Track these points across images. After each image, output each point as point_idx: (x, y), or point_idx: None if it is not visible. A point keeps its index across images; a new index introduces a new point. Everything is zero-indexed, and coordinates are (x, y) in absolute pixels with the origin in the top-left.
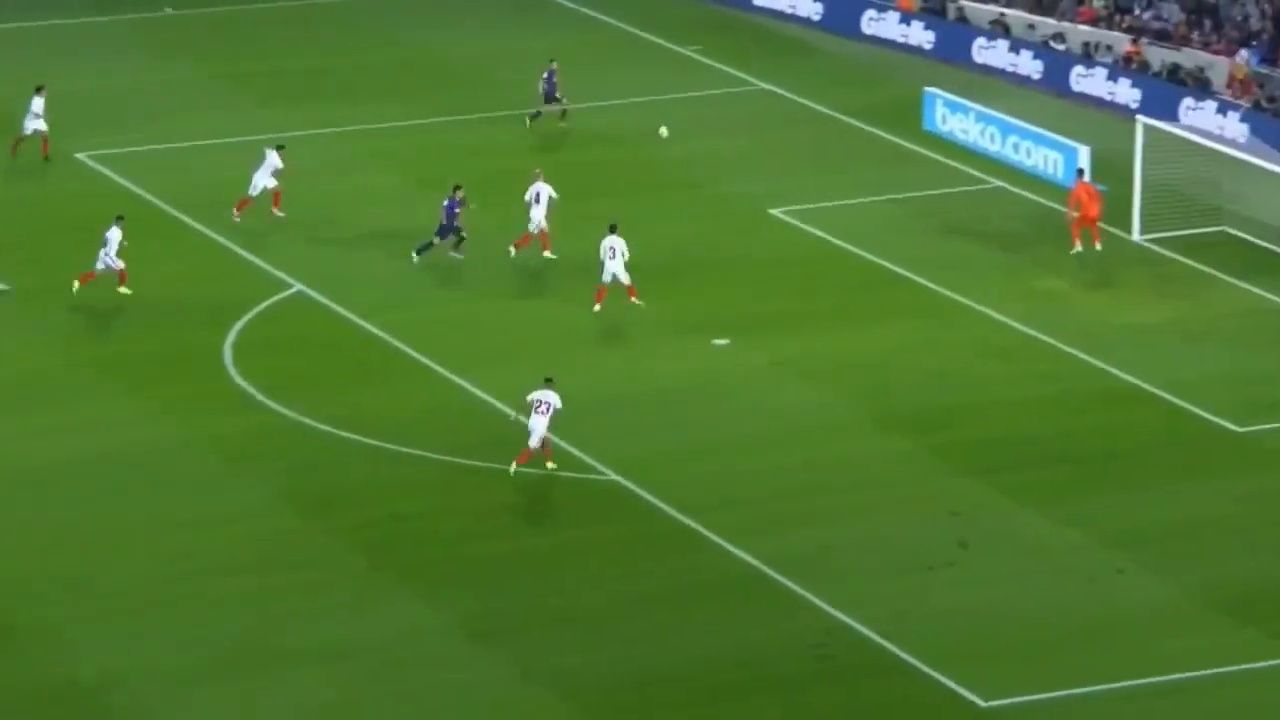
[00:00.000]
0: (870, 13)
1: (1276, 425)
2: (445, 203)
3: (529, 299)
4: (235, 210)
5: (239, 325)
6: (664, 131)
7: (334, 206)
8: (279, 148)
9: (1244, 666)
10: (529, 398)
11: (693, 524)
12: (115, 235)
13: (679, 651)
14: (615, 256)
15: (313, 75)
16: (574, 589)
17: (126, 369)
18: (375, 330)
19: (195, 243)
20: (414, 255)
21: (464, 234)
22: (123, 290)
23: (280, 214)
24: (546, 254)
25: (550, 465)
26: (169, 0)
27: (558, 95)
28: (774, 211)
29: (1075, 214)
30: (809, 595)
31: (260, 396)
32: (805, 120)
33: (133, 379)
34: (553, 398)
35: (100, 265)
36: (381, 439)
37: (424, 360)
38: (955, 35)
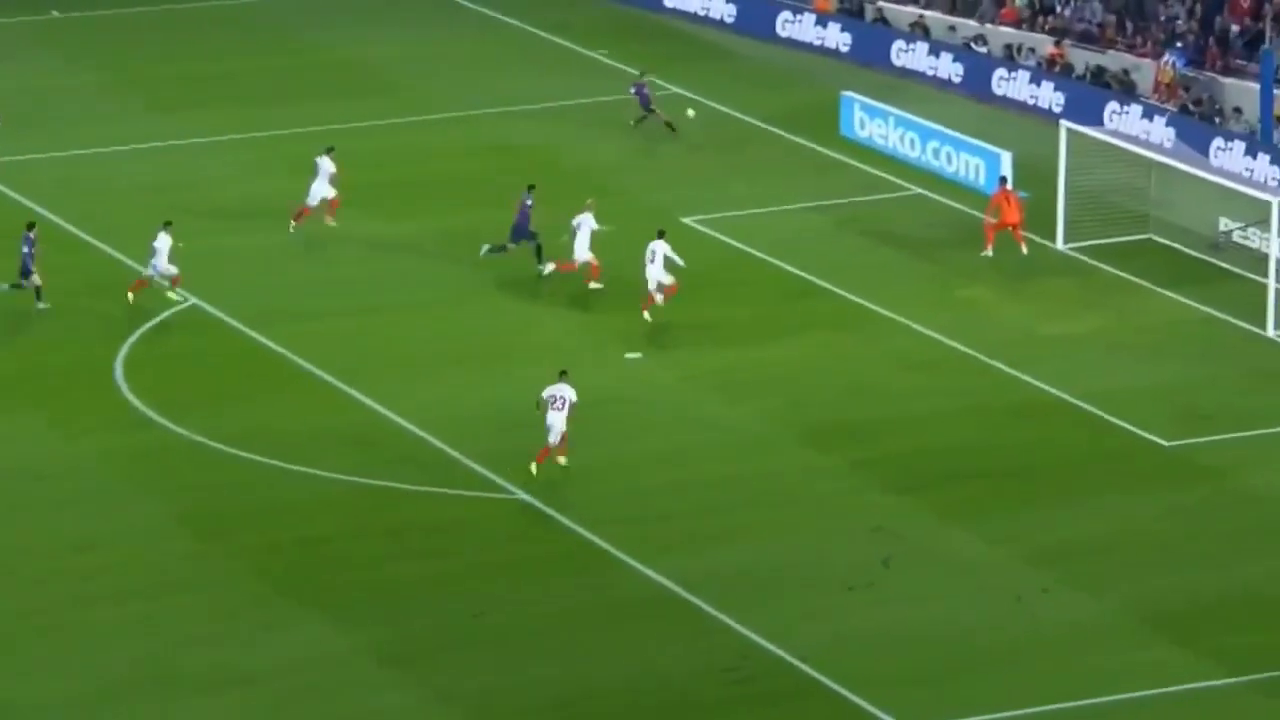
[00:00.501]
0: (785, 14)
1: (1204, 439)
2: (521, 205)
3: (431, 311)
4: (293, 221)
5: (131, 340)
6: (690, 113)
7: (229, 215)
8: (329, 150)
9: (1176, 688)
10: (544, 394)
11: (604, 543)
12: (165, 242)
13: (591, 675)
14: (655, 260)
15: (207, 80)
16: (485, 611)
17: (13, 385)
18: (273, 344)
19: (84, 254)
20: (484, 249)
21: (539, 239)
22: (172, 295)
23: (333, 222)
24: (594, 285)
25: (561, 460)
26: (55, 2)
27: (652, 107)
28: (687, 220)
29: (993, 220)
30: (724, 616)
31: (154, 414)
32: (718, 126)
33: (19, 396)
34: (568, 392)
35: (149, 272)
36: (282, 458)
37: (325, 376)
38: (873, 37)
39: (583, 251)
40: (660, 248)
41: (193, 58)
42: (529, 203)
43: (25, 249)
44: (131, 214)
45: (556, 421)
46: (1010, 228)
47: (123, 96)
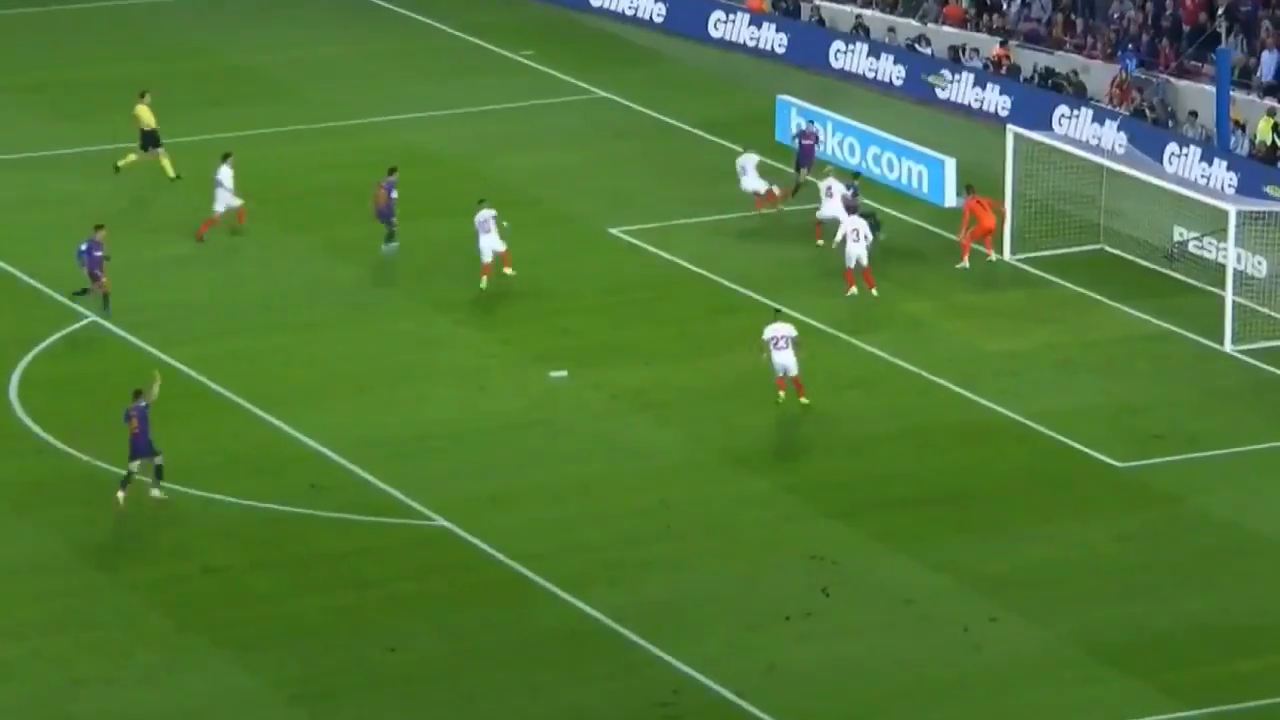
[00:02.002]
0: (718, 14)
1: (1158, 460)
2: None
3: (338, 329)
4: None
5: (25, 360)
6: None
7: (124, 228)
8: (747, 149)
9: None
10: (764, 337)
11: (527, 573)
12: (490, 230)
13: (513, 712)
14: (859, 239)
15: (109, 86)
16: (400, 646)
17: None
18: (178, 364)
19: None
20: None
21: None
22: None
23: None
24: (871, 291)
25: (804, 400)
26: None
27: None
28: (614, 231)
29: (967, 231)
30: (655, 649)
31: (50, 439)
32: (647, 132)
33: None
34: (787, 329)
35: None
36: (187, 484)
37: (232, 397)
38: (811, 38)
39: (838, 210)
40: (862, 225)
41: (76, 62)
42: (849, 191)
43: (91, 253)
44: (20, 227)
45: (786, 360)
46: (985, 234)
47: (19, 103)
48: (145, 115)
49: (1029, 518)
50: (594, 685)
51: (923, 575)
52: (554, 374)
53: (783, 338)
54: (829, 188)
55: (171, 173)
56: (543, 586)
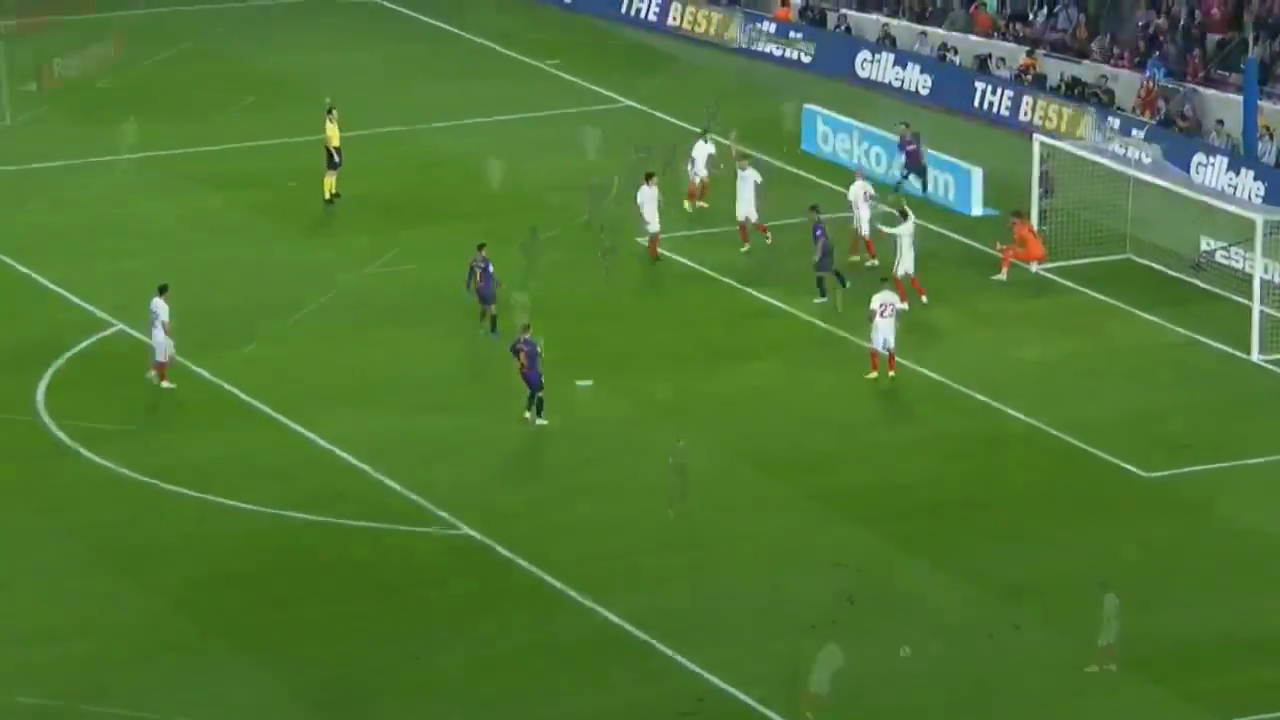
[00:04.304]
0: (745, 23)
1: (1184, 469)
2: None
3: (369, 335)
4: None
5: (53, 367)
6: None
7: (156, 236)
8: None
9: None
10: (873, 305)
11: (551, 579)
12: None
13: (534, 719)
14: (911, 248)
15: (130, 91)
16: (423, 653)
17: None
18: (202, 372)
19: (4, 277)
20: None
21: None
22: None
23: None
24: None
25: (891, 374)
26: None
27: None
28: (641, 240)
29: (1018, 249)
30: (679, 657)
31: (76, 445)
32: (672, 140)
33: None
34: (895, 299)
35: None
36: (210, 491)
37: (255, 404)
38: (837, 47)
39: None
40: (910, 232)
41: (114, 69)
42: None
43: (486, 274)
44: (46, 233)
45: (888, 330)
46: (1031, 258)
47: (36, 110)
48: (332, 134)
49: (1054, 526)
50: (616, 692)
51: (947, 583)
52: (580, 383)
53: (890, 305)
54: (865, 194)
55: (332, 192)
56: (565, 593)
